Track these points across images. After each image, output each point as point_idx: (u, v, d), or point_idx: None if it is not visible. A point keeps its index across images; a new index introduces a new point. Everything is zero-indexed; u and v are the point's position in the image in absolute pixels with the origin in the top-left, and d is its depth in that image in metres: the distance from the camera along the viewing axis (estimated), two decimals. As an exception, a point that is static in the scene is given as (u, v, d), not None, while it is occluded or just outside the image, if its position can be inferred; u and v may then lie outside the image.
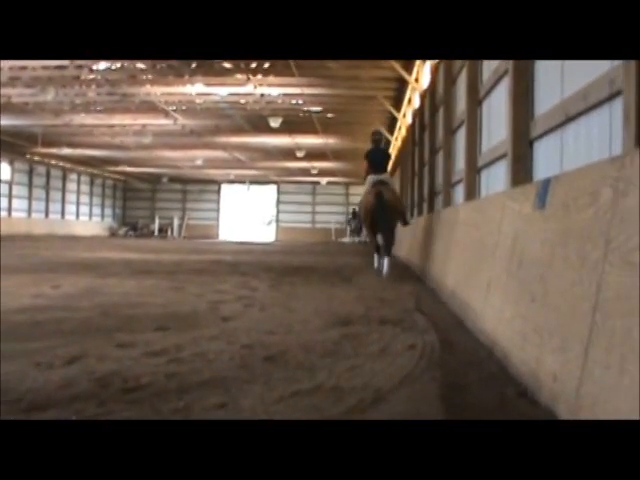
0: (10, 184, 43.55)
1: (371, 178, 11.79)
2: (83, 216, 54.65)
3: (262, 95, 23.71)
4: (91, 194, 56.18)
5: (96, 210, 57.42)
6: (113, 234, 54.54)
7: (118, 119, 29.05)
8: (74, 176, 52.46)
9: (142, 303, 7.21)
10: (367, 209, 11.32)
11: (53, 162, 46.48)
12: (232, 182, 58.90)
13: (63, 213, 51.07)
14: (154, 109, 26.50)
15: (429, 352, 4.47)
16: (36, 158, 44.39)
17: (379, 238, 11.28)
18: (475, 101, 9.90)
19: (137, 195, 62.25)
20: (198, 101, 25.47)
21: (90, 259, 16.25)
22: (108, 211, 59.86)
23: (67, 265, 13.47)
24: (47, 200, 48.55)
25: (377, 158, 12.22)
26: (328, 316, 6.29)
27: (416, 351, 4.49)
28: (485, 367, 4.04)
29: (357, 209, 12.45)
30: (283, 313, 6.61)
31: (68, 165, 48.40)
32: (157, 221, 55.32)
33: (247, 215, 57.42)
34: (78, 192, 53.63)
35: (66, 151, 38.79)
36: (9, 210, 43.45)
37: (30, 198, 46.18)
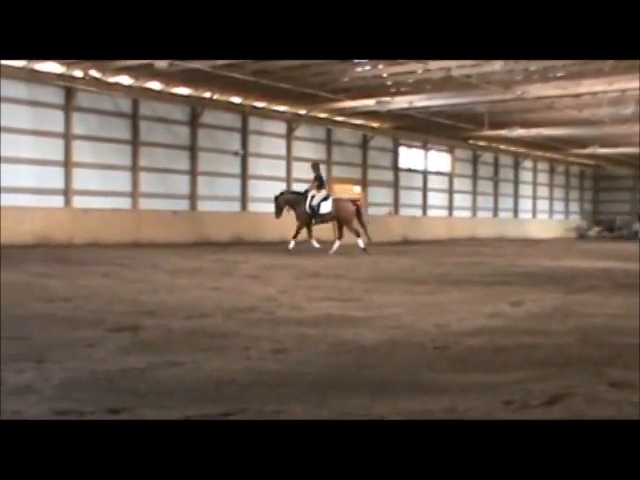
0: (450, 177, 45.56)
1: (323, 192, 23.77)
2: (541, 213, 55.38)
3: None
4: (551, 185, 56.72)
5: (558, 206, 57.86)
6: (581, 236, 54.80)
7: (587, 86, 28.69)
8: (528, 163, 53.34)
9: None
10: (353, 213, 23.41)
11: (502, 147, 47.84)
12: None
13: (516, 210, 52.40)
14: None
15: None
16: (481, 143, 45.99)
17: (355, 230, 23.18)
18: None
19: (613, 185, 61.43)
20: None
21: (555, 268, 16.61)
22: (573, 206, 60.01)
23: (526, 276, 13.90)
24: (495, 194, 50.03)
25: (322, 180, 24.24)
26: None
27: None
28: None
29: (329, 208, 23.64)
30: None
31: (521, 149, 49.42)
32: (642, 218, 54.38)
33: None
34: (534, 183, 54.49)
35: (518, 132, 39.41)
36: (449, 208, 45.58)
37: (474, 193, 47.92)
